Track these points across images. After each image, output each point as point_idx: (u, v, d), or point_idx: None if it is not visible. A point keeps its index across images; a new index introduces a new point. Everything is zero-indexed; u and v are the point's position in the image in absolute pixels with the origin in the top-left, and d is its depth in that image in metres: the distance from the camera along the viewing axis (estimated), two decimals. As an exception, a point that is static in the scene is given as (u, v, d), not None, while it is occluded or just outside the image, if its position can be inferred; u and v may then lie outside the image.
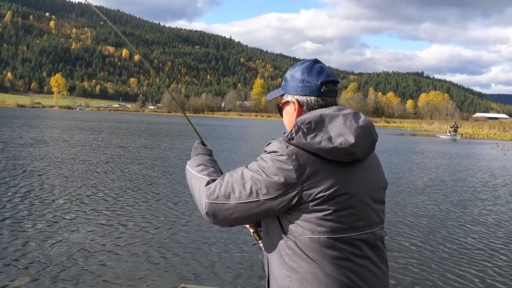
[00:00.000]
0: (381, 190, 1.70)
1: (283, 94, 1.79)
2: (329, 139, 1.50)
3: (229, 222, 1.58)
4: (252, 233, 2.05)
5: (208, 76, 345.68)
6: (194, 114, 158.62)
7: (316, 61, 1.73)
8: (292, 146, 1.51)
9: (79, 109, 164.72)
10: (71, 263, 5.20)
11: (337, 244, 1.51)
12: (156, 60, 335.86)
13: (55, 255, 5.44)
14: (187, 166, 1.84)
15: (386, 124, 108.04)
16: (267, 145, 1.60)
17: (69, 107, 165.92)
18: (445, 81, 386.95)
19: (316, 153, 1.50)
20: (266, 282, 1.73)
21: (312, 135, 1.50)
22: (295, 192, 1.48)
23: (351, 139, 1.51)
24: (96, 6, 2.56)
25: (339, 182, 1.51)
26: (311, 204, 1.49)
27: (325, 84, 1.67)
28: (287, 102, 1.76)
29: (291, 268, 1.54)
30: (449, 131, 52.16)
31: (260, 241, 1.96)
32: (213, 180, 1.62)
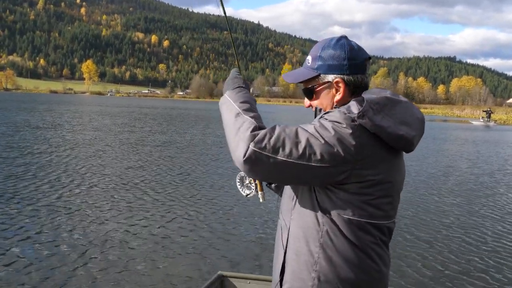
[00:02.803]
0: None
1: (318, 75, 1.63)
2: (395, 125, 1.46)
3: (266, 176, 1.50)
4: (250, 182, 1.98)
5: (236, 61, 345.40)
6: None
7: (346, 37, 1.65)
8: (358, 122, 1.43)
9: (110, 95, 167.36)
10: (104, 250, 5.45)
11: (372, 230, 1.51)
12: (185, 46, 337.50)
13: (90, 239, 5.72)
14: (226, 96, 1.62)
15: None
16: (326, 113, 1.52)
17: (100, 93, 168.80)
18: (478, 65, 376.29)
19: (379, 135, 1.45)
20: (283, 252, 1.63)
21: (380, 117, 1.44)
22: (348, 169, 1.42)
23: (413, 131, 1.51)
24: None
25: (388, 169, 1.50)
26: (358, 185, 1.46)
27: (367, 60, 1.62)
28: (326, 83, 1.62)
29: (322, 244, 1.50)
30: (482, 117, 51.11)
31: (260, 192, 1.92)
32: (260, 128, 1.45)
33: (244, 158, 1.39)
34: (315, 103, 1.68)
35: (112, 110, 40.93)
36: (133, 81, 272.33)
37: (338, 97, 1.60)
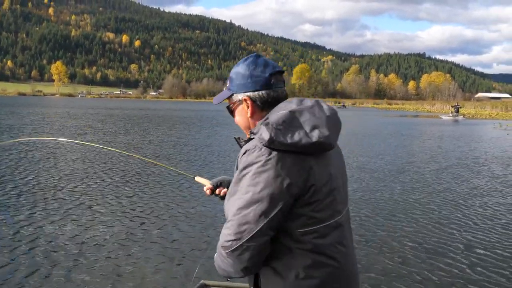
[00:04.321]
0: (345, 172, 1.77)
1: (232, 95, 1.76)
2: (307, 134, 1.50)
3: (255, 258, 1.53)
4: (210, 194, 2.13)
5: (209, 61, 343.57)
6: (196, 100, 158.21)
7: (258, 56, 1.74)
8: (274, 151, 1.50)
9: (80, 96, 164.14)
10: (83, 256, 5.26)
11: (325, 231, 1.56)
12: (156, 46, 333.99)
13: (65, 247, 5.51)
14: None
15: (389, 106, 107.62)
16: (244, 153, 1.57)
17: (70, 95, 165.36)
18: (446, 61, 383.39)
19: (297, 150, 1.50)
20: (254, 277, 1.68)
21: (290, 135, 1.49)
22: (293, 193, 1.50)
23: (326, 131, 1.53)
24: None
25: (321, 173, 1.55)
26: (303, 199, 1.52)
27: (274, 75, 1.68)
28: (238, 101, 1.74)
29: (282, 261, 1.57)
30: (451, 112, 51.99)
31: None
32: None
33: (236, 269, 1.56)
34: (236, 120, 1.81)
35: (77, 112, 40.15)
36: (105, 82, 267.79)
37: (249, 113, 1.71)
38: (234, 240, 1.50)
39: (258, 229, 1.48)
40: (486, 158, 14.46)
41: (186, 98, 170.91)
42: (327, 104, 1.65)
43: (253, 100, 1.69)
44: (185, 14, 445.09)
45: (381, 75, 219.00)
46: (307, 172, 1.51)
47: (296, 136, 1.49)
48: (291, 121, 1.52)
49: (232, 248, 1.51)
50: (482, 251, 5.53)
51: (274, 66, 1.71)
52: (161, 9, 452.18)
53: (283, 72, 1.73)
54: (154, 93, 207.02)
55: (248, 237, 1.48)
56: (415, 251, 5.50)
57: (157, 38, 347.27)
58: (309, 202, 1.53)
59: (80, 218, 6.53)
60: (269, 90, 1.68)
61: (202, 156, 13.25)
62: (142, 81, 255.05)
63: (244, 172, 1.53)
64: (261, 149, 1.51)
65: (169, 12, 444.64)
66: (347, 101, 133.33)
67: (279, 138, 1.48)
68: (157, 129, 23.41)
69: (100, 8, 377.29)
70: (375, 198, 8.28)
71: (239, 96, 1.72)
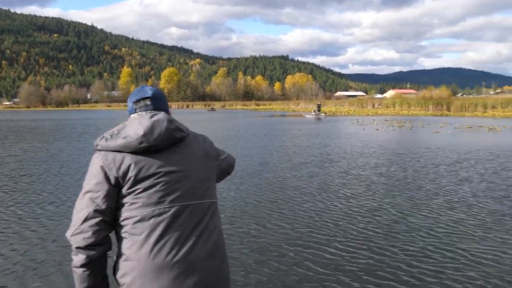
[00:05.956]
0: (196, 170, 1.99)
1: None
2: (125, 137, 1.86)
3: (92, 238, 1.81)
4: None
5: (70, 66, 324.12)
6: (57, 108, 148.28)
7: (140, 87, 2.12)
8: (101, 152, 1.90)
9: None
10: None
11: (146, 217, 1.84)
12: (8, 51, 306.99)
13: None
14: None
15: (257, 106, 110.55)
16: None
17: None
18: (308, 63, 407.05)
19: (119, 150, 1.86)
20: None
21: (113, 139, 1.88)
22: (113, 182, 1.83)
23: (141, 132, 1.86)
24: None
25: (142, 167, 1.85)
26: (126, 187, 1.84)
27: (135, 102, 2.04)
28: None
29: (121, 247, 1.87)
30: (314, 110, 54.57)
31: None
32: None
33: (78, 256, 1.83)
34: None
35: None
36: None
37: None
38: (73, 226, 1.83)
39: (91, 208, 1.82)
40: (339, 153, 14.88)
41: (47, 107, 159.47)
42: (166, 115, 1.99)
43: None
44: (40, 16, 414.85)
45: (249, 77, 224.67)
46: (126, 166, 1.84)
47: (116, 139, 1.88)
48: (120, 130, 1.92)
49: (72, 233, 1.82)
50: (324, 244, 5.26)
51: (138, 93, 2.06)
52: (12, 10, 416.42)
53: (149, 97, 2.04)
54: (9, 103, 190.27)
55: (82, 220, 1.81)
56: (250, 248, 5.04)
57: (8, 42, 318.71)
58: (129, 192, 1.84)
59: None
60: (135, 114, 2.03)
61: (42, 170, 11.74)
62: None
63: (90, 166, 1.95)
64: (95, 152, 1.94)
65: (22, 14, 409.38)
66: (217, 103, 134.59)
67: (102, 142, 1.89)
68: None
69: None
70: (225, 201, 7.78)
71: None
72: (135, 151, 1.86)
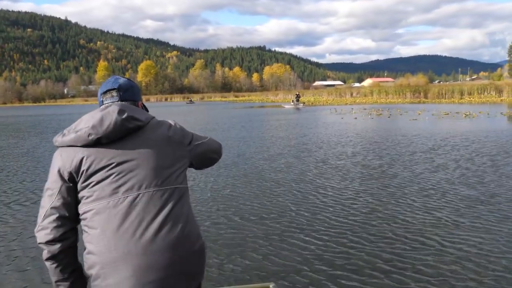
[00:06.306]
0: (155, 157, 1.92)
1: None
2: (77, 131, 1.87)
3: (54, 232, 1.85)
4: None
5: (46, 61, 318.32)
6: (34, 104, 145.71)
7: (111, 78, 2.14)
8: (59, 148, 1.92)
9: None
10: None
11: (102, 210, 1.82)
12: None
13: None
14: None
15: (236, 98, 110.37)
16: None
17: None
18: (285, 53, 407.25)
19: (71, 145, 1.87)
20: None
21: (68, 134, 1.89)
22: (67, 178, 1.85)
23: (90, 125, 1.85)
24: None
25: (94, 160, 1.84)
26: (81, 181, 1.85)
27: (102, 94, 2.07)
28: None
29: (84, 241, 1.87)
30: (292, 101, 54.66)
31: None
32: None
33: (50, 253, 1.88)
34: None
35: None
36: None
37: None
38: (37, 223, 1.89)
39: (51, 203, 1.86)
40: (317, 142, 14.94)
41: (23, 103, 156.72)
42: (118, 107, 1.92)
43: None
44: (13, 11, 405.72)
45: (226, 69, 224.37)
46: (78, 160, 1.84)
47: (68, 134, 1.89)
48: (77, 124, 1.92)
49: (36, 230, 1.88)
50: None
51: (105, 86, 2.08)
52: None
53: (115, 88, 2.04)
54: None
55: (42, 216, 1.86)
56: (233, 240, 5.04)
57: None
58: (83, 186, 1.85)
59: None
60: (102, 105, 2.04)
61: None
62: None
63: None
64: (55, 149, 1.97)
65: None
66: (195, 95, 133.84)
67: (58, 138, 1.92)
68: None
69: None
70: (202, 193, 7.75)
71: None
72: (86, 144, 1.85)
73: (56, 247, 1.85)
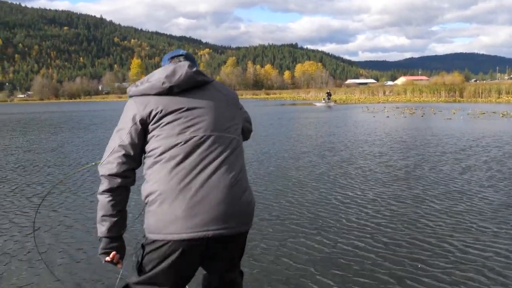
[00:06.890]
0: (220, 108, 2.21)
1: None
2: (151, 81, 2.14)
3: (120, 166, 2.07)
4: None
5: (81, 58, 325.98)
6: (70, 100, 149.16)
7: (175, 51, 2.40)
8: (132, 96, 2.18)
9: None
10: None
11: (170, 146, 2.05)
12: (21, 44, 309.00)
13: None
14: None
15: (267, 96, 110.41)
16: None
17: None
18: (317, 51, 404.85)
19: (145, 93, 2.14)
20: None
21: (142, 85, 2.16)
22: (138, 121, 2.08)
23: (163, 75, 2.12)
24: None
25: (166, 105, 2.09)
26: (152, 123, 2.08)
27: (171, 59, 2.34)
28: None
29: (147, 174, 2.10)
30: (324, 99, 54.23)
31: None
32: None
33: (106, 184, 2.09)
34: None
35: None
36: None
37: None
38: (103, 158, 2.12)
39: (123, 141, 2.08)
40: (343, 141, 14.67)
41: (59, 99, 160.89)
42: (186, 62, 2.21)
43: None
44: (50, 9, 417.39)
45: (258, 66, 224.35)
46: (151, 106, 2.08)
47: (143, 84, 2.16)
48: (149, 77, 2.19)
49: (101, 163, 2.10)
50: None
51: (173, 52, 2.39)
52: (23, 4, 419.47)
53: (182, 55, 2.34)
54: (23, 95, 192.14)
55: (109, 152, 2.09)
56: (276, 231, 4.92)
57: (20, 36, 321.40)
58: (154, 127, 2.08)
59: None
60: (169, 64, 2.24)
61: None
62: (7, 83, 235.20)
63: None
64: (128, 99, 2.23)
65: (32, 8, 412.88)
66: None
67: (132, 88, 2.20)
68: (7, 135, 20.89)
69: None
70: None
71: None
72: (159, 93, 2.11)
73: (117, 181, 2.04)
